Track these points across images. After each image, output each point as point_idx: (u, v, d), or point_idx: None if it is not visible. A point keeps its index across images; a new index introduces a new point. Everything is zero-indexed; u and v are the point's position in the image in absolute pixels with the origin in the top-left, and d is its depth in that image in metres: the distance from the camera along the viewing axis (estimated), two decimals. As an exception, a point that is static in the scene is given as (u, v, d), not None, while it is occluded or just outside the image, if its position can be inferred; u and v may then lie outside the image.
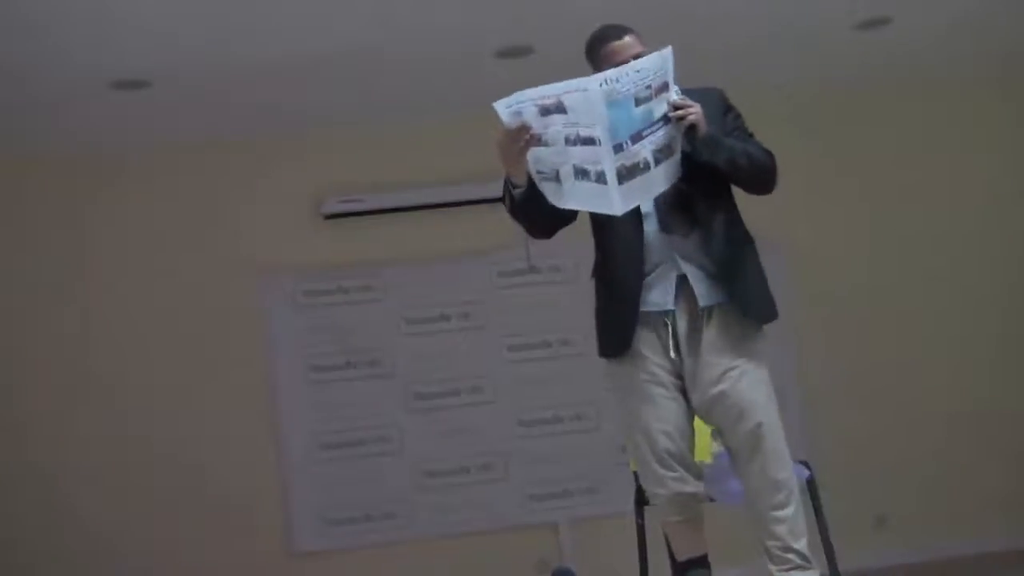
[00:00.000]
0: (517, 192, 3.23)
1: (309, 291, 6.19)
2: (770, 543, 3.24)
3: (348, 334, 6.16)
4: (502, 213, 3.40)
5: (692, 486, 3.32)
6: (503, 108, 3.07)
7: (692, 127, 3.15)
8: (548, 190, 3.18)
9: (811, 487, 3.78)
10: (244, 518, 5.98)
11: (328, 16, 4.83)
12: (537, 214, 3.28)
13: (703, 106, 3.22)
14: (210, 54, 5.10)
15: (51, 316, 6.07)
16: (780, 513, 3.23)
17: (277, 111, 5.92)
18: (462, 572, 6.04)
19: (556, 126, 3.05)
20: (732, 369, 3.25)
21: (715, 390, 3.25)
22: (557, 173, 3.13)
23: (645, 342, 3.31)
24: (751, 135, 3.41)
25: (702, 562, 3.42)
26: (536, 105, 3.04)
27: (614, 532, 4.81)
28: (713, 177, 3.26)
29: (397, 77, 5.64)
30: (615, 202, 3.05)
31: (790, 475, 3.26)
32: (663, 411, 3.29)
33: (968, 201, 6.58)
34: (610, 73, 3.00)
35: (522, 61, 5.42)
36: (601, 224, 3.37)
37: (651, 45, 3.19)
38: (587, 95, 2.96)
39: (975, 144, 6.64)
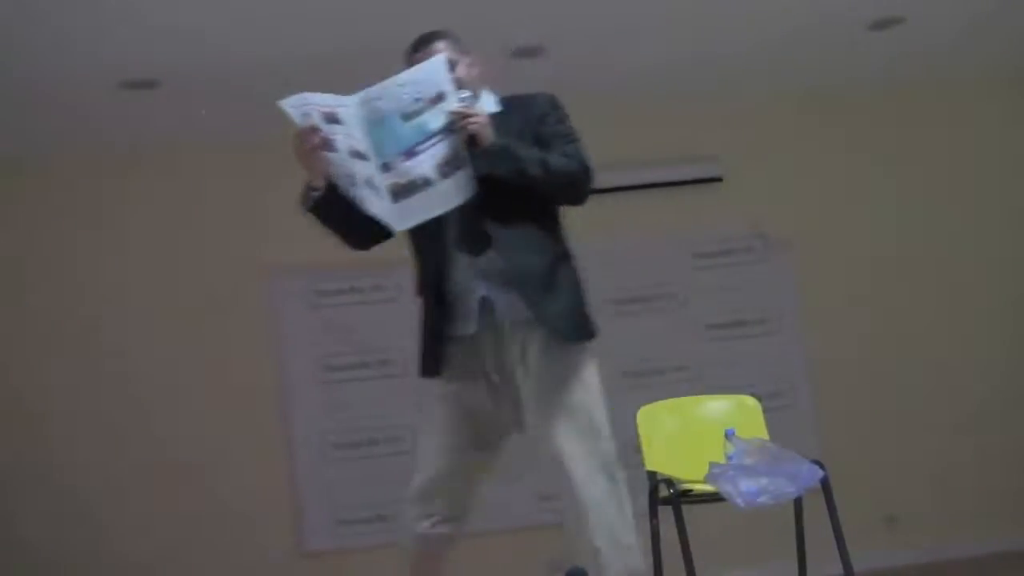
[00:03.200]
0: (315, 195, 3.10)
1: (321, 291, 6.20)
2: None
3: (360, 334, 6.17)
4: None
5: (438, 527, 3.31)
6: (289, 107, 2.94)
7: (472, 137, 2.95)
8: (350, 194, 3.05)
9: (825, 487, 3.76)
10: (255, 518, 5.99)
11: (338, 16, 4.84)
12: (341, 220, 3.13)
13: (517, 113, 3.10)
14: (219, 54, 5.11)
15: (58, 316, 6.07)
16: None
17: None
18: (473, 572, 5.99)
19: (339, 136, 2.94)
20: (550, 406, 3.07)
21: (535, 428, 3.13)
22: (354, 178, 3.02)
23: (454, 369, 3.16)
24: (574, 141, 3.16)
25: None
26: (320, 112, 2.91)
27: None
28: (513, 190, 3.03)
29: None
30: (393, 219, 2.97)
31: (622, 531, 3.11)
32: (443, 447, 3.22)
33: (978, 200, 6.58)
34: (372, 91, 2.86)
35: (533, 61, 5.41)
36: (409, 241, 3.22)
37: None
38: (348, 111, 2.86)
39: (986, 144, 6.64)
